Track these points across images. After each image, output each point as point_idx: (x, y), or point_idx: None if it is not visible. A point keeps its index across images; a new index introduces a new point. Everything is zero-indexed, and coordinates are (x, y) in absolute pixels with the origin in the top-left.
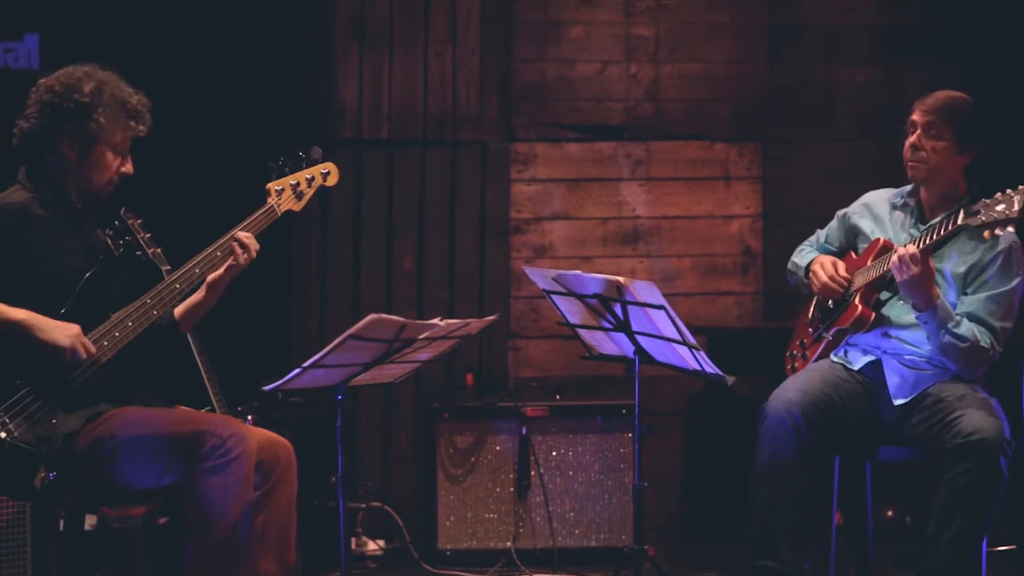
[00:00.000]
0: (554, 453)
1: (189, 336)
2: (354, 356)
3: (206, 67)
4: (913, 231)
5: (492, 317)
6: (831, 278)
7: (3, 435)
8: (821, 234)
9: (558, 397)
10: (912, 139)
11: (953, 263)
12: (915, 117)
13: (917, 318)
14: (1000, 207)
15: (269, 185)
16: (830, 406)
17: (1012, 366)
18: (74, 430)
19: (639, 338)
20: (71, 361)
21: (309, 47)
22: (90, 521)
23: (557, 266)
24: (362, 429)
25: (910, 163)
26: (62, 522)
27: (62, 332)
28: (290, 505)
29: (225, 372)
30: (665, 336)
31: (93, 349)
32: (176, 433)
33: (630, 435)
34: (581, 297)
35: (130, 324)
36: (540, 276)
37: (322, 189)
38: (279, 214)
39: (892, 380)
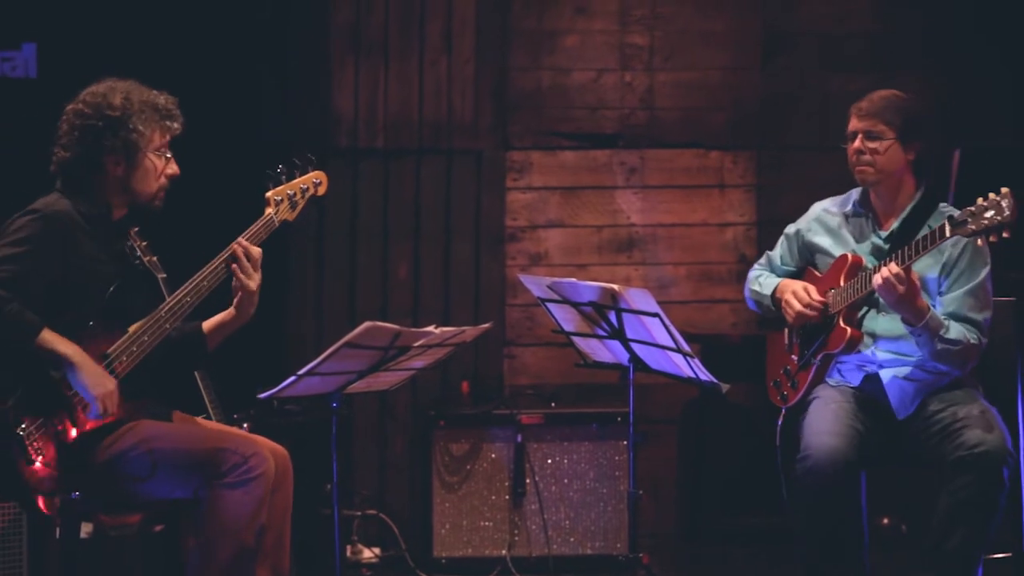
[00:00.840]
0: (549, 461)
1: None
2: (349, 364)
3: (203, 76)
4: (874, 238)
5: (487, 325)
6: (807, 305)
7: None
8: (773, 256)
9: (553, 405)
10: (855, 144)
11: (924, 267)
12: (854, 124)
13: (910, 332)
14: (989, 213)
15: (268, 194)
16: (860, 436)
17: (1007, 375)
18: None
19: (634, 346)
20: (95, 412)
21: (305, 57)
22: (86, 529)
23: (552, 274)
24: (357, 437)
25: (858, 168)
26: (58, 530)
27: (97, 382)
28: (285, 513)
29: (221, 379)
30: (660, 344)
31: (115, 411)
32: (198, 450)
33: (625, 443)
34: (576, 305)
35: (146, 339)
36: (535, 284)
37: (318, 197)
38: (276, 224)
39: (893, 395)
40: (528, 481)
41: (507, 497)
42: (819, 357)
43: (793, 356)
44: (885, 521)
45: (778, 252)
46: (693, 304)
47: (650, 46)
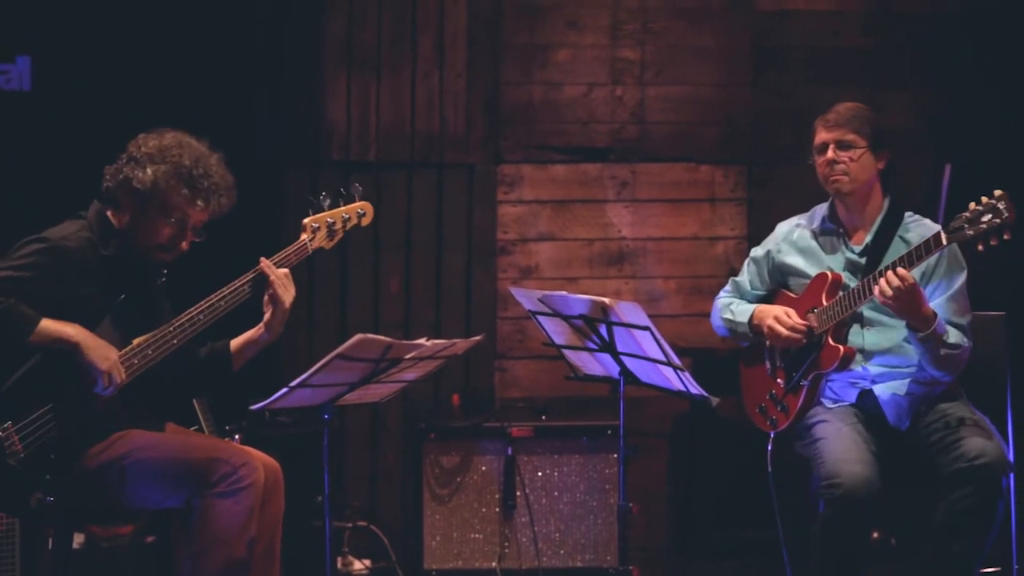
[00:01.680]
0: (540, 473)
1: None
2: (341, 376)
3: (196, 89)
4: (848, 253)
5: (478, 337)
6: (792, 329)
7: (11, 461)
8: (742, 281)
9: (544, 418)
10: (828, 155)
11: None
12: (823, 136)
13: (916, 340)
14: (987, 217)
15: (306, 221)
16: (877, 459)
17: (997, 389)
18: (80, 453)
19: (624, 359)
20: (101, 386)
21: (298, 69)
22: (78, 539)
23: (543, 287)
24: (348, 449)
25: (832, 178)
26: (51, 540)
27: (102, 355)
28: (276, 525)
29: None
30: (650, 357)
31: (122, 378)
32: (189, 459)
33: (615, 456)
34: (567, 318)
35: (150, 352)
36: (526, 297)
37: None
38: (310, 251)
39: (890, 410)
40: (518, 494)
41: (497, 509)
42: (810, 378)
43: (778, 380)
44: (875, 535)
45: (746, 277)
46: (683, 318)
47: (641, 61)
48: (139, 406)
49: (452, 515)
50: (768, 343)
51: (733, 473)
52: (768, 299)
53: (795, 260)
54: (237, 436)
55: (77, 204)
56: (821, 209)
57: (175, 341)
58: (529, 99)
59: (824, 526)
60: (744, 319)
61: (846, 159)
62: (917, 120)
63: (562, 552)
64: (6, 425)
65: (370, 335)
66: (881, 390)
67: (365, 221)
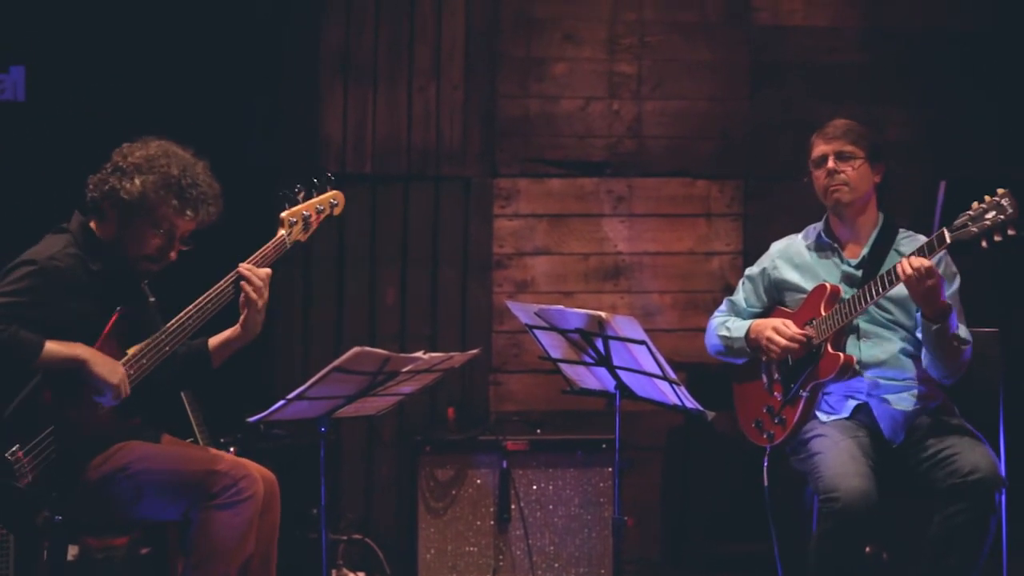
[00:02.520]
0: (534, 487)
1: None
2: (338, 388)
3: (192, 100)
4: (844, 267)
5: (475, 351)
6: (791, 339)
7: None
8: (737, 300)
9: (539, 431)
10: (829, 166)
11: (901, 286)
12: (822, 149)
13: (929, 332)
14: (991, 214)
15: (283, 215)
16: (875, 473)
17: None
18: (82, 467)
19: (620, 373)
20: (112, 400)
21: (294, 81)
22: (72, 551)
23: (539, 301)
24: (344, 461)
25: (832, 188)
26: (45, 552)
27: (111, 369)
28: (272, 538)
29: (208, 403)
30: (646, 371)
31: (127, 391)
32: (189, 471)
33: (610, 469)
34: (563, 332)
35: (144, 362)
36: (522, 310)
37: (334, 217)
38: (288, 246)
39: (885, 424)
40: (513, 507)
41: (492, 523)
42: (808, 388)
43: (776, 394)
44: (867, 550)
45: (742, 296)
46: (679, 332)
47: (638, 75)
48: (133, 415)
49: (447, 528)
50: (764, 358)
51: (727, 487)
52: (764, 316)
53: (791, 275)
54: (232, 448)
55: (71, 215)
56: (816, 226)
57: (167, 348)
58: (526, 112)
59: (821, 540)
60: (741, 334)
61: (846, 169)
62: (913, 136)
63: (556, 565)
64: (14, 449)
65: (368, 348)
66: (876, 403)
67: (337, 211)
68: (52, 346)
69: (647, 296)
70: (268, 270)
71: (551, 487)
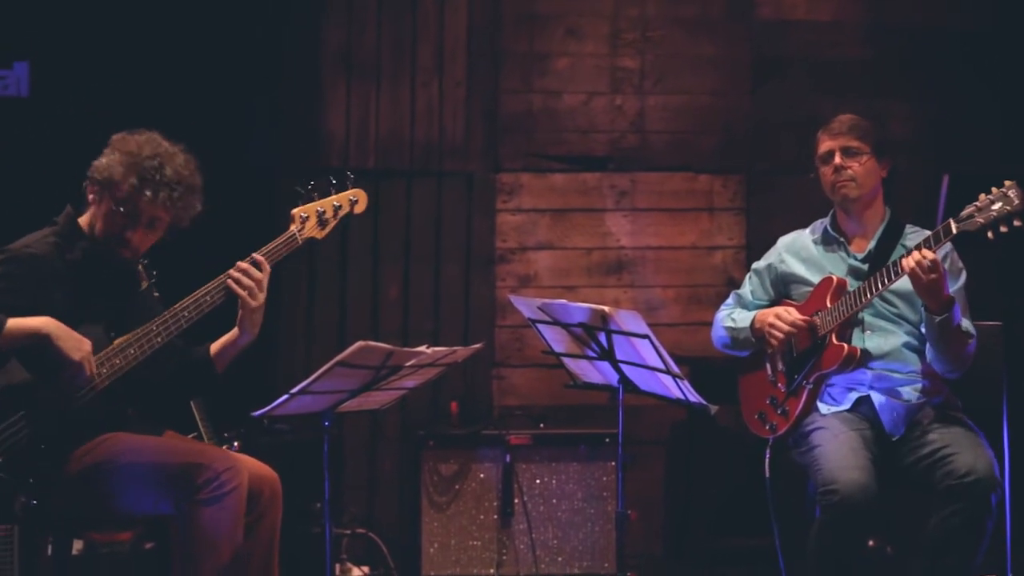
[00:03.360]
0: (538, 481)
1: None
2: (342, 383)
3: (195, 95)
4: (851, 260)
5: (478, 345)
6: (792, 324)
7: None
8: (743, 293)
9: (542, 426)
10: (836, 161)
11: (905, 280)
12: (828, 145)
13: (933, 324)
14: (997, 205)
15: (294, 211)
16: (874, 466)
17: (992, 396)
18: (63, 455)
19: (623, 367)
20: (74, 378)
21: (297, 77)
22: (77, 546)
23: (542, 295)
24: (347, 456)
25: (839, 183)
26: (50, 547)
27: (75, 345)
28: (273, 537)
29: (212, 398)
30: (649, 365)
31: (94, 370)
32: (170, 464)
33: (613, 463)
34: (566, 326)
35: (132, 352)
36: (526, 305)
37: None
38: (300, 242)
39: (886, 417)
40: (516, 501)
41: (495, 517)
42: (812, 379)
43: (779, 385)
44: (871, 543)
45: (748, 289)
46: (681, 327)
47: (641, 69)
48: (127, 408)
49: (450, 522)
50: (769, 349)
51: (730, 481)
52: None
53: (798, 268)
54: (236, 443)
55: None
56: (822, 221)
57: (159, 339)
58: (528, 108)
59: (821, 533)
60: (746, 324)
61: (852, 165)
62: (915, 131)
63: (559, 559)
64: None
65: (371, 342)
66: (877, 396)
67: (358, 209)
68: (13, 321)
69: (650, 290)
70: (261, 273)
71: (554, 481)
